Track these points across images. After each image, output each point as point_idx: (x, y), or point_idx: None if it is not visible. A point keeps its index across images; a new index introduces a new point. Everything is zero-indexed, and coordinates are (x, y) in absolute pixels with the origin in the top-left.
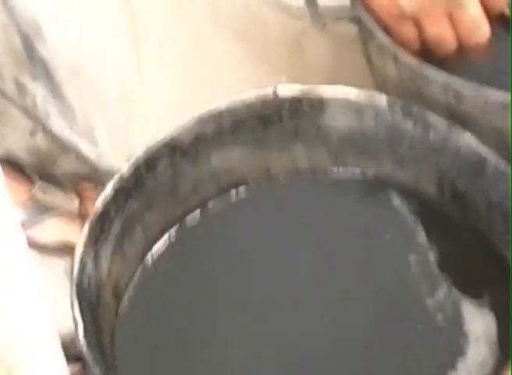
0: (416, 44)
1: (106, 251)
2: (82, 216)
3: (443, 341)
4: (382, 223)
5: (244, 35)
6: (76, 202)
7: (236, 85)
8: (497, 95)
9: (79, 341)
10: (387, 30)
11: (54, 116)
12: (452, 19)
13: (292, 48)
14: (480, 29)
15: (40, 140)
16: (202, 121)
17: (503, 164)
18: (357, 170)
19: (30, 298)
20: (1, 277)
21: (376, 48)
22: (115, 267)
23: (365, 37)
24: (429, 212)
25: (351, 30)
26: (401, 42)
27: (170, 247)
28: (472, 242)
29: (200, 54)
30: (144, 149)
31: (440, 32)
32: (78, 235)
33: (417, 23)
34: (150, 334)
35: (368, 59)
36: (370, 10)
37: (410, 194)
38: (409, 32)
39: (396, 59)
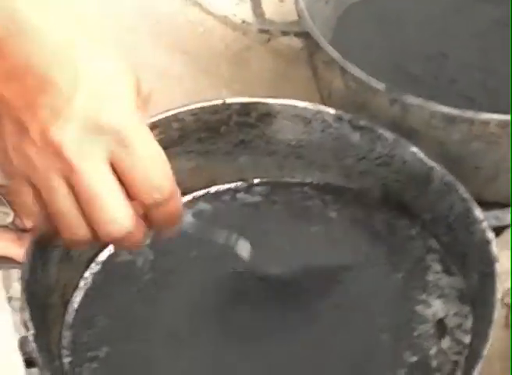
0: None
1: (54, 258)
2: (16, 230)
3: None
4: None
5: (186, 48)
6: (11, 216)
7: (177, 98)
8: (442, 109)
9: (30, 345)
10: None
11: None
12: None
13: (235, 62)
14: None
15: None
16: (151, 130)
17: (448, 177)
18: (304, 181)
19: None
20: None
21: (323, 62)
22: (62, 274)
23: (312, 50)
24: (375, 222)
25: (295, 44)
26: None
27: (115, 255)
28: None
29: (138, 65)
30: None
31: None
32: (11, 248)
33: None
34: (95, 340)
35: (314, 73)
36: None
37: (356, 205)
38: None
39: (343, 72)
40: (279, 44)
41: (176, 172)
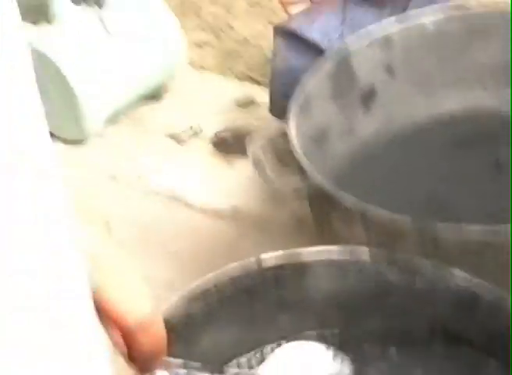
0: None
1: None
2: None
3: None
4: None
5: (175, 251)
6: None
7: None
8: (476, 232)
9: None
10: None
11: None
12: None
13: (229, 252)
14: None
15: None
16: (191, 300)
17: (495, 293)
18: (345, 330)
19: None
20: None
21: (341, 213)
22: None
23: (325, 208)
24: (431, 356)
25: (282, 216)
26: None
27: None
28: None
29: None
30: None
31: None
32: None
33: None
34: None
35: (326, 231)
36: None
37: (403, 344)
38: None
39: (364, 217)
40: (265, 222)
41: (218, 340)
